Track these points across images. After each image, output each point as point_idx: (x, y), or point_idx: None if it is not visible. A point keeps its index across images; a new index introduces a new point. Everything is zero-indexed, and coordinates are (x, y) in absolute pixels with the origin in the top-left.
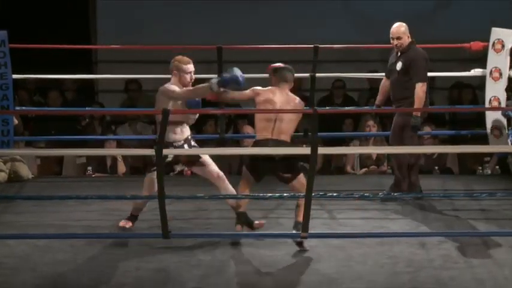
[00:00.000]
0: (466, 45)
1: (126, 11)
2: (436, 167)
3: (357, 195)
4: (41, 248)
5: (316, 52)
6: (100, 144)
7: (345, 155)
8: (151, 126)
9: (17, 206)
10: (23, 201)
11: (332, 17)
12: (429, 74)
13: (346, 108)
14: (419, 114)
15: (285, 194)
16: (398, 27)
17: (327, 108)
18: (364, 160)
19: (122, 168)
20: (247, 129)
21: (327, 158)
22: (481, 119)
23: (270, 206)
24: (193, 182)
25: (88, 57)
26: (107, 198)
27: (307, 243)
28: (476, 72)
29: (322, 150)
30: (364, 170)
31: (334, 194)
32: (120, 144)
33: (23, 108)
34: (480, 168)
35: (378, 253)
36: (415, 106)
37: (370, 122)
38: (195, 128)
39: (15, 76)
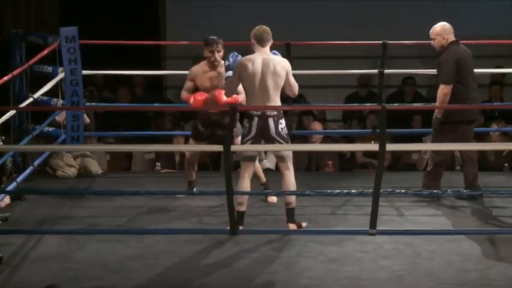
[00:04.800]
0: None
1: (195, 6)
2: (506, 164)
3: (425, 193)
4: (111, 243)
5: (384, 48)
6: (168, 140)
7: (418, 151)
8: None
9: (87, 201)
10: (93, 197)
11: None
12: (499, 70)
13: (414, 104)
14: (439, 115)
15: (353, 191)
16: (433, 28)
17: (395, 104)
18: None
19: None
20: (315, 126)
21: (396, 154)
22: None
23: (338, 203)
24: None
25: (157, 53)
26: (175, 193)
27: (376, 239)
28: None
29: (390, 147)
30: None
31: (402, 191)
32: (188, 140)
33: (92, 104)
34: None
35: (446, 250)
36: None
37: None
38: None
39: (85, 72)
